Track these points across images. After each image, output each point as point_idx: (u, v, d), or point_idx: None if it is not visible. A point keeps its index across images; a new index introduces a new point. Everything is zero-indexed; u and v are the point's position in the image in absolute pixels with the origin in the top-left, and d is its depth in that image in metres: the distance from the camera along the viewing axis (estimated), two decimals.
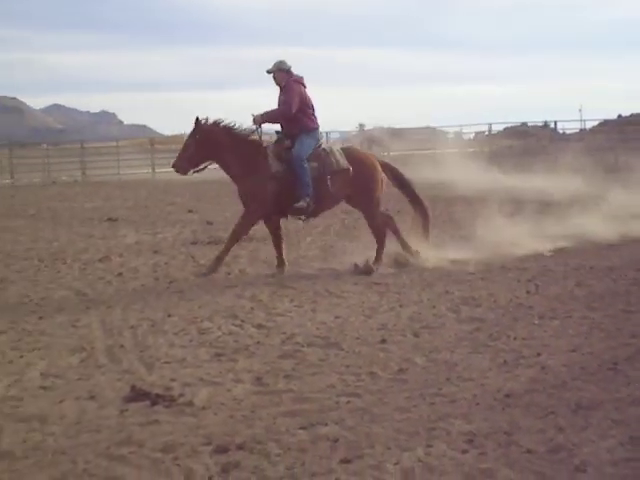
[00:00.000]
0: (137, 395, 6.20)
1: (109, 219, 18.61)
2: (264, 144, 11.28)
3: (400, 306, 9.09)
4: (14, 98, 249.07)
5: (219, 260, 10.96)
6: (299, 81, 11.38)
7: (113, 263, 12.42)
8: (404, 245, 11.48)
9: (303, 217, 11.49)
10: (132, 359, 7.30)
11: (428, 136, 42.43)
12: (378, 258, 11.30)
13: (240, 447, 5.20)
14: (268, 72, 11.31)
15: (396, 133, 40.69)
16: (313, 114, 11.42)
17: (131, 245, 14.28)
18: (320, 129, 11.65)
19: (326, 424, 5.57)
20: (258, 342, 7.75)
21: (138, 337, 8.06)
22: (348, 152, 11.53)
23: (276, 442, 5.27)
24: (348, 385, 6.43)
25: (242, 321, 8.59)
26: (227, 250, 10.99)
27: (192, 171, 11.25)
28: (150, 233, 15.86)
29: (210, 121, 11.20)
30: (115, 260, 12.67)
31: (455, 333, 7.91)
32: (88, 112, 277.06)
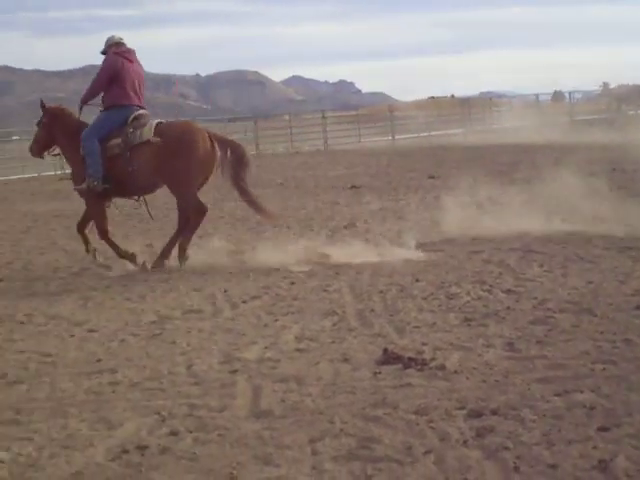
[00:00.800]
0: (389, 358, 6.29)
1: (352, 187, 18.90)
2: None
3: None
4: (256, 72, 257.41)
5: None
6: (122, 54, 10.65)
7: (359, 229, 12.63)
8: (181, 246, 10.45)
9: (135, 198, 11.04)
10: (383, 323, 7.41)
11: None
12: (187, 240, 10.53)
13: (494, 412, 5.17)
14: (102, 53, 10.84)
15: None
16: (130, 89, 10.61)
17: (375, 211, 14.46)
18: (133, 104, 10.62)
19: (581, 391, 5.43)
20: (508, 307, 7.66)
21: (387, 301, 8.18)
22: (165, 126, 10.54)
23: (530, 408, 5.20)
24: (603, 352, 6.23)
25: (490, 286, 8.52)
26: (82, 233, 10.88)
27: (46, 153, 11.38)
28: (393, 199, 15.99)
29: (54, 105, 11.19)
30: (361, 226, 12.88)
31: None
32: (327, 82, 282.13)
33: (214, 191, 18.03)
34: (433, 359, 6.26)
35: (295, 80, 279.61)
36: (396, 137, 38.42)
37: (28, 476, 4.70)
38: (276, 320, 7.75)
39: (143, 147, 10.30)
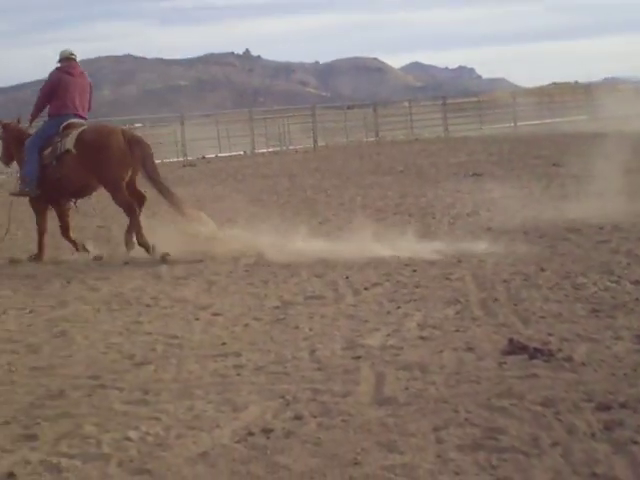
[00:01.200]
0: (515, 348, 6.19)
1: (474, 174, 18.70)
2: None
3: None
4: (375, 59, 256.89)
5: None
6: (64, 69, 11.61)
7: (481, 217, 12.49)
8: (132, 235, 11.04)
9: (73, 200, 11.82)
10: (507, 312, 7.31)
11: None
12: (131, 230, 11.04)
13: (623, 405, 5.04)
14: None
15: None
16: (70, 100, 11.47)
17: (498, 199, 14.27)
18: (66, 114, 11.45)
19: None
20: (637, 299, 7.45)
21: (511, 291, 8.06)
22: (84, 133, 11.13)
23: None
24: None
25: (619, 277, 8.29)
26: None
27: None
28: (516, 187, 15.74)
29: (9, 121, 12.31)
30: (483, 215, 12.73)
31: None
32: (446, 68, 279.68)
33: (334, 178, 18.09)
34: (560, 350, 6.14)
35: (414, 66, 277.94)
36: (518, 124, 37.85)
37: (156, 455, 4.80)
38: (398, 307, 7.72)
39: (66, 156, 11.11)
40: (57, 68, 11.68)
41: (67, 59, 11.71)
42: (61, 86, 11.47)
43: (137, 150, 11.05)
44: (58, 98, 11.47)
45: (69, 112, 11.48)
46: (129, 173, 11.16)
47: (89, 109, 11.89)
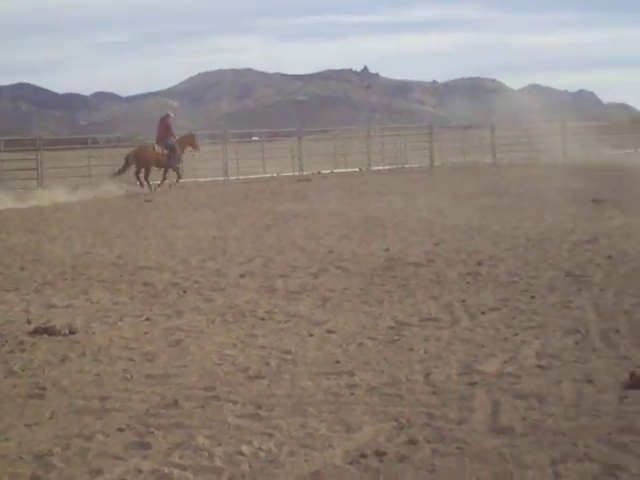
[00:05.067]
0: (636, 382, 5.99)
1: (594, 200, 18.26)
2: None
3: None
4: (494, 80, 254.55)
5: None
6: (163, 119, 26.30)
7: (601, 245, 12.18)
8: None
9: None
10: (629, 345, 7.09)
11: None
12: None
13: None
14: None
15: None
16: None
17: (619, 227, 13.90)
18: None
19: None
20: None
21: (633, 322, 7.81)
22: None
23: None
24: None
25: None
26: None
27: None
28: (638, 215, 15.30)
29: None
30: (603, 242, 12.41)
31: None
32: (566, 91, 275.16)
33: (449, 199, 17.97)
34: None
35: (533, 88, 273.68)
36: (639, 150, 36.90)
37: (268, 472, 4.79)
38: (516, 334, 7.57)
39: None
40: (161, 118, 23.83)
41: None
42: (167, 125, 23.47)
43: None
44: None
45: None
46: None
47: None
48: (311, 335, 7.80)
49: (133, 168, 25.47)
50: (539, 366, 6.60)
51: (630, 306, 8.41)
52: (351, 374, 6.50)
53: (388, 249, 12.37)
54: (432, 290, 9.55)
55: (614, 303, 8.58)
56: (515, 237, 13.24)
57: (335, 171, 31.93)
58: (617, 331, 7.53)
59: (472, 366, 6.61)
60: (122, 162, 25.56)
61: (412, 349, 7.18)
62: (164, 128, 26.06)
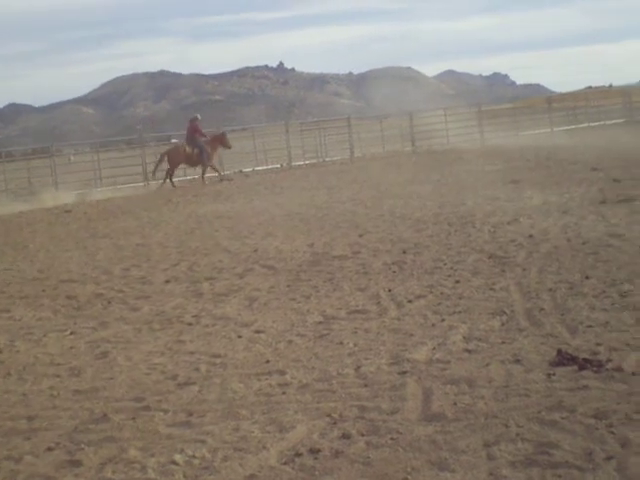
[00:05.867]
0: (563, 359, 6.08)
1: (512, 181, 18.50)
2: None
3: None
4: (409, 68, 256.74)
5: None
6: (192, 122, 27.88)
7: (522, 225, 12.34)
8: None
9: None
10: (554, 322, 7.18)
11: None
12: None
13: None
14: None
15: None
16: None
17: (538, 206, 14.10)
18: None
19: None
20: None
21: (557, 300, 7.92)
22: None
23: None
24: None
25: None
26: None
27: None
28: (556, 193, 15.55)
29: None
30: (524, 222, 12.57)
31: None
32: (480, 75, 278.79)
33: (372, 189, 18.05)
34: (609, 360, 6.02)
35: (448, 74, 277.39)
36: (554, 129, 37.53)
37: (203, 479, 4.74)
38: (443, 320, 7.62)
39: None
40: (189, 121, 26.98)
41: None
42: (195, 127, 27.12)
43: None
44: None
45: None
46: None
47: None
48: (240, 337, 7.74)
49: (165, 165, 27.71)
50: (467, 350, 6.65)
51: (553, 284, 8.53)
52: (282, 373, 6.48)
53: (313, 244, 12.36)
54: (359, 282, 9.56)
55: (537, 282, 8.69)
56: (437, 223, 13.33)
57: (257, 169, 31.85)
58: (542, 309, 7.63)
59: (402, 355, 6.63)
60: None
61: (342, 343, 7.18)
62: (192, 130, 28.13)
